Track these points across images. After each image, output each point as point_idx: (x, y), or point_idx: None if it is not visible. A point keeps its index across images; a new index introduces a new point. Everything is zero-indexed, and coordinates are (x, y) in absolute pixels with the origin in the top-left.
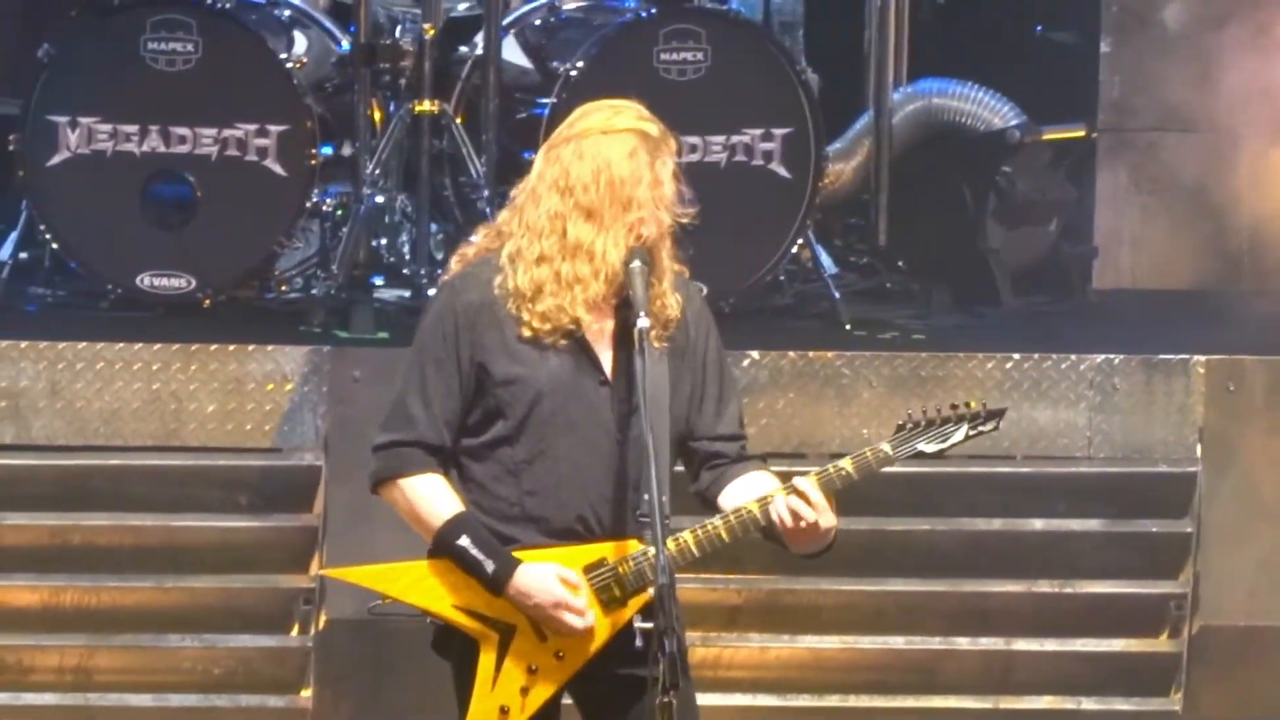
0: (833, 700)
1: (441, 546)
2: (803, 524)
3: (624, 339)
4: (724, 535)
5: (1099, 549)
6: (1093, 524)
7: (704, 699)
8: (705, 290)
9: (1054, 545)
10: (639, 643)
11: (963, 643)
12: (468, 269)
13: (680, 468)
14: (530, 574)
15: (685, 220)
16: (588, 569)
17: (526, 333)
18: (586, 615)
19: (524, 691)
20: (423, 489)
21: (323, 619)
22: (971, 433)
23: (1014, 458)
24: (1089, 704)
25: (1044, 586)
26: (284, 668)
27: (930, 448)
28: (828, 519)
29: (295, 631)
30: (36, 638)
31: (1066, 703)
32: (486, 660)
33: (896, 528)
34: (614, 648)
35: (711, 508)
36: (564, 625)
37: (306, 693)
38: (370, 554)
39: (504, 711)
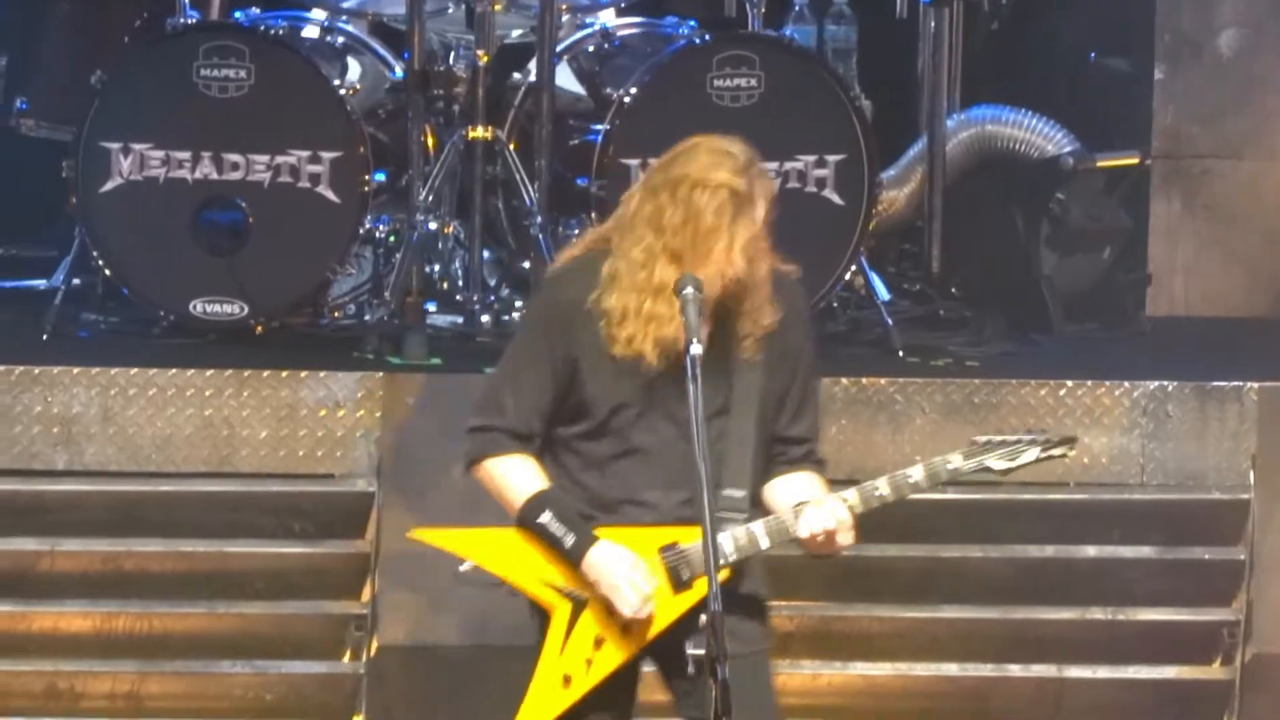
0: None
1: (524, 522)
2: (820, 539)
3: (714, 346)
4: (760, 541)
5: (1152, 576)
6: (1146, 551)
7: None
8: None
9: (1107, 572)
10: (691, 669)
11: (1015, 670)
12: (572, 264)
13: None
14: (602, 552)
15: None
16: (661, 550)
17: (615, 348)
18: (645, 607)
19: (589, 663)
20: (507, 469)
21: (375, 645)
22: (1043, 455)
23: (1067, 485)
24: None
25: (1097, 613)
26: (336, 694)
27: (1000, 465)
28: (846, 538)
29: (347, 658)
30: (89, 664)
31: None
32: (556, 629)
33: (950, 555)
34: (692, 619)
35: (758, 503)
36: (620, 605)
37: (358, 719)
38: (423, 582)
39: (567, 680)
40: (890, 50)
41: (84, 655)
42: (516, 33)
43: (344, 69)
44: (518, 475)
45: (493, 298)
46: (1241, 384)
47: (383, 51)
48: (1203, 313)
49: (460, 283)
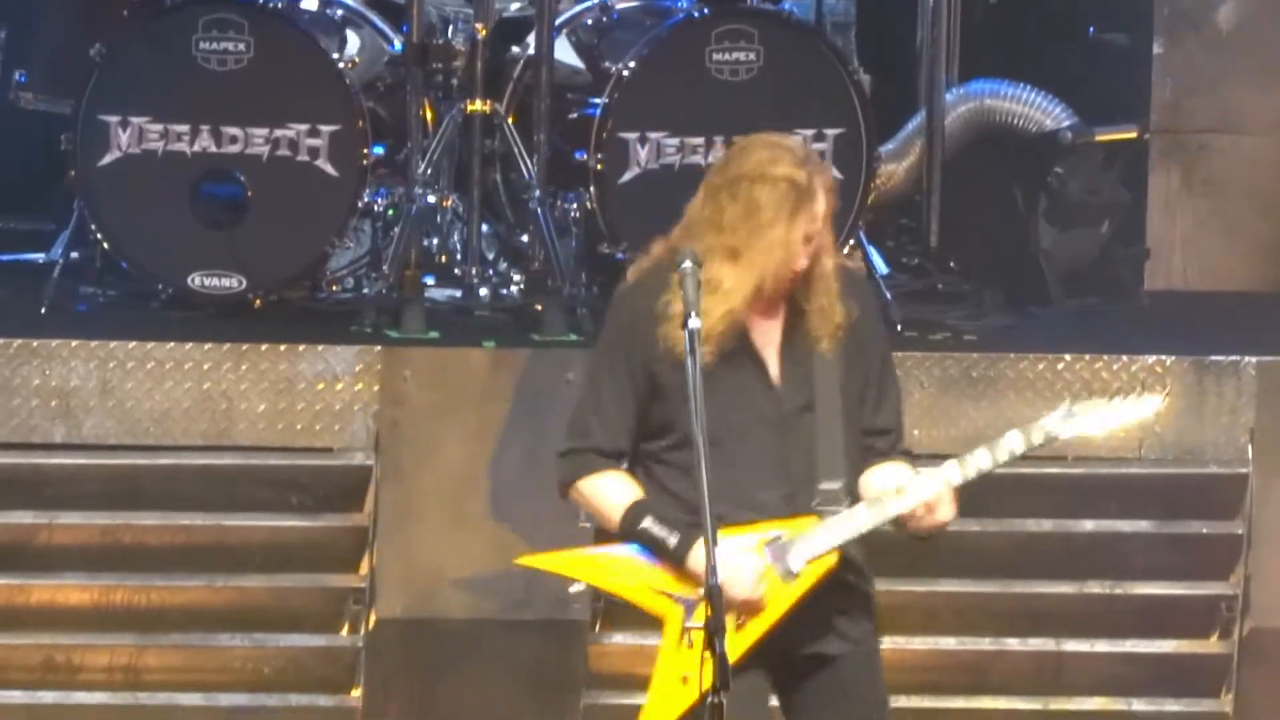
0: None
1: (626, 532)
2: (921, 515)
3: (790, 343)
4: (860, 522)
5: (1150, 550)
6: (1143, 525)
7: None
8: None
9: (1105, 546)
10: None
11: (1013, 643)
12: (640, 279)
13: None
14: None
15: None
16: (768, 543)
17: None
18: (757, 589)
19: (704, 661)
20: (601, 486)
21: (373, 619)
22: (1138, 417)
23: (1065, 459)
24: (1139, 705)
25: (1094, 587)
26: (334, 667)
27: (1095, 429)
28: (946, 512)
29: (345, 631)
30: (87, 637)
31: (1117, 703)
32: (671, 631)
33: (948, 528)
34: (799, 624)
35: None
36: (732, 594)
37: (356, 692)
38: (420, 554)
39: (684, 679)
40: (889, 24)
41: (82, 628)
42: (515, 6)
43: (343, 42)
44: (612, 489)
45: (491, 271)
46: (1239, 358)
47: (381, 25)
48: (1201, 287)
49: (458, 256)
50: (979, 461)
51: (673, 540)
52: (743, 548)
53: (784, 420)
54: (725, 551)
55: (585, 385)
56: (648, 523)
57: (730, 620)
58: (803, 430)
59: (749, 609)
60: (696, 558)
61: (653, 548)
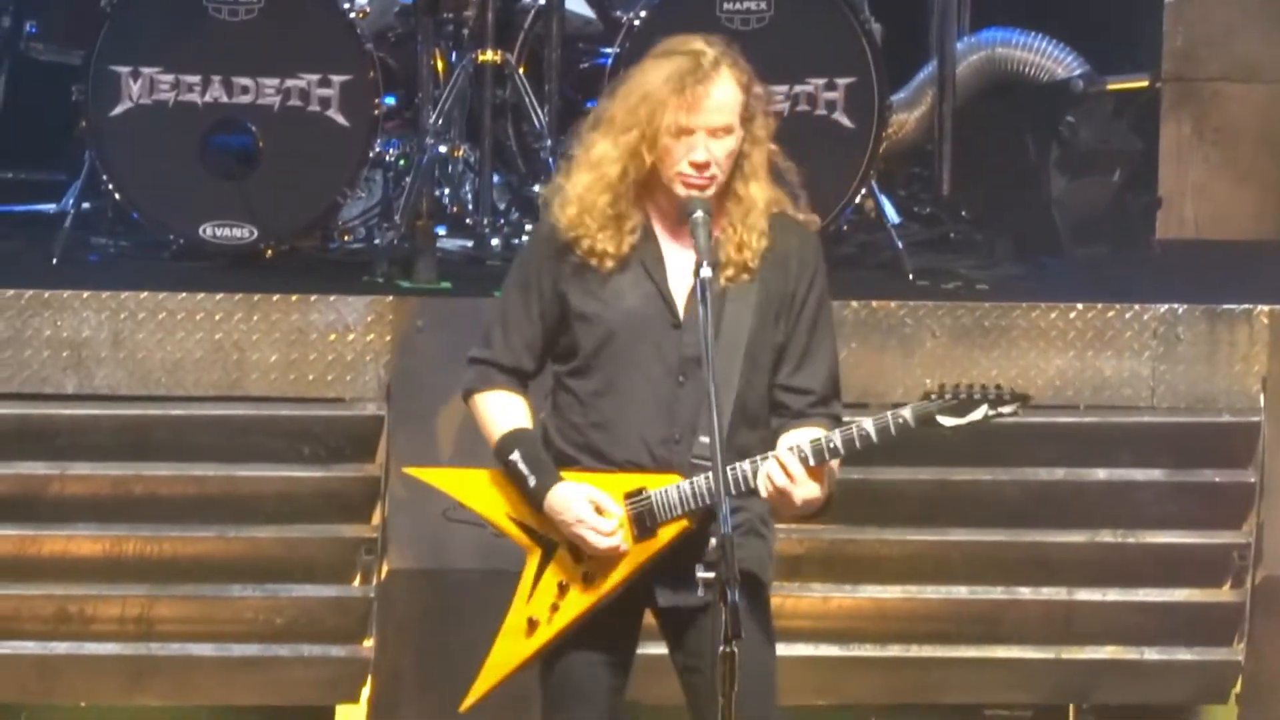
0: (894, 650)
1: (498, 458)
2: (774, 493)
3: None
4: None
5: (1162, 499)
6: (1156, 474)
7: None
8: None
9: (1117, 495)
10: (700, 592)
11: (1025, 593)
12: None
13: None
14: (561, 492)
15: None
16: (627, 496)
17: (602, 264)
18: (612, 538)
19: (553, 608)
20: (490, 405)
21: (385, 569)
22: (991, 413)
23: (1077, 407)
24: (1151, 654)
25: (1107, 536)
26: (346, 617)
27: (949, 421)
28: (804, 490)
29: (357, 581)
30: (99, 588)
31: (1129, 653)
32: (528, 573)
33: (960, 478)
34: (661, 577)
35: (746, 454)
36: (586, 545)
37: (368, 642)
38: (431, 505)
39: (532, 624)
40: None
41: (94, 579)
42: None
43: None
44: (498, 411)
45: (502, 221)
46: (1251, 306)
47: None
48: (1212, 235)
49: (470, 206)
50: (834, 443)
51: (531, 481)
52: (599, 503)
53: (681, 363)
54: (581, 504)
55: (500, 298)
56: (515, 456)
57: (578, 571)
58: (698, 377)
59: (603, 561)
60: (551, 505)
61: (515, 482)
